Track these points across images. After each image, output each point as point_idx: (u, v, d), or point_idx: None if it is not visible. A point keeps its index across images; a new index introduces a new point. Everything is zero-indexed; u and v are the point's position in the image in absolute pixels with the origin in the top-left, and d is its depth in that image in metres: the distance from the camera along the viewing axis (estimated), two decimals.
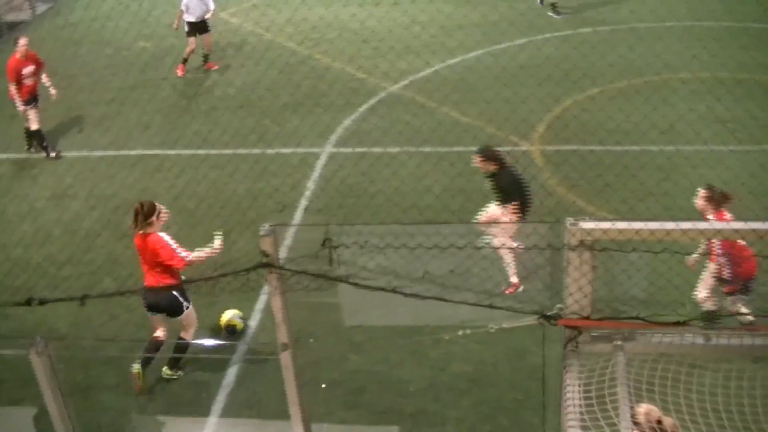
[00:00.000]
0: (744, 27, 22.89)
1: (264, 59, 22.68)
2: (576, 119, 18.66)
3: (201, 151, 18.00)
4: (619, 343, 6.71)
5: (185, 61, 22.47)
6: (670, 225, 6.23)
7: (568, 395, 6.48)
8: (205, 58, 22.82)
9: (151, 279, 11.57)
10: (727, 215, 11.54)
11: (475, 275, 6.73)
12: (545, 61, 21.40)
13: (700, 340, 6.69)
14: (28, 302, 13.85)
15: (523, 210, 13.50)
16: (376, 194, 16.19)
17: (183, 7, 21.99)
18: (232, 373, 12.25)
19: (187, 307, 11.75)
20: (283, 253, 12.13)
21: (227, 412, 11.64)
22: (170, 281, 11.50)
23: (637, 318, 6.56)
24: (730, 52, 20.96)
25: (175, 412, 11.73)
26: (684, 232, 6.22)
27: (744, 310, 11.54)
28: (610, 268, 7.41)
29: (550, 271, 6.84)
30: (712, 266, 11.60)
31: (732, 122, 18.35)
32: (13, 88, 18.30)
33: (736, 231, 6.46)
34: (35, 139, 18.84)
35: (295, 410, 8.13)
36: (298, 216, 15.97)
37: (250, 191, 16.76)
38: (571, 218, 6.26)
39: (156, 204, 11.49)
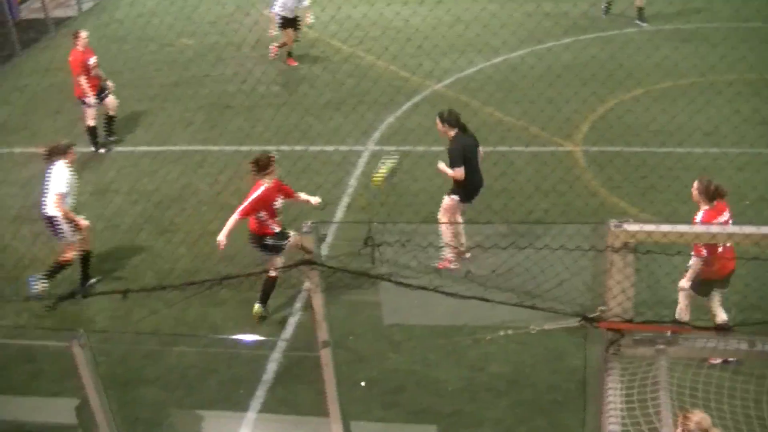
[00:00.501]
0: None
1: (308, 56, 22.74)
2: (620, 120, 18.48)
3: (244, 148, 17.97)
4: (661, 347, 6.63)
5: (290, 54, 22.72)
6: (715, 228, 6.16)
7: (610, 398, 6.43)
8: (289, 53, 22.92)
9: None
10: (725, 211, 11.51)
11: (517, 275, 6.66)
12: (590, 60, 21.22)
13: (744, 346, 6.60)
14: (72, 295, 13.98)
15: (464, 185, 13.82)
16: (419, 193, 16.15)
17: (277, 6, 22.17)
18: (271, 370, 12.26)
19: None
20: (324, 250, 12.15)
21: (265, 408, 11.66)
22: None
23: (680, 322, 6.49)
24: None
25: (214, 406, 11.77)
26: (729, 235, 6.15)
27: (718, 309, 11.35)
28: (653, 271, 7.30)
29: (593, 273, 6.72)
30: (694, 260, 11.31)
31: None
32: (84, 82, 18.32)
33: None
34: (89, 135, 18.88)
35: (333, 408, 8.13)
36: (339, 214, 15.95)
37: (292, 188, 16.74)
38: (614, 220, 6.20)
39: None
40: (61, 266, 14.20)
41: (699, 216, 11.28)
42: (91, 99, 18.44)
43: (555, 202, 15.60)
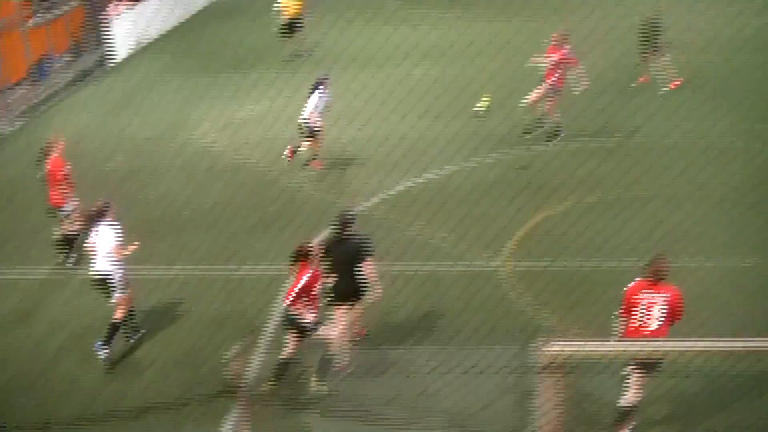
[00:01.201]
0: (708, 143, 23.09)
1: (235, 180, 22.72)
2: (548, 235, 18.74)
3: (170, 272, 17.86)
4: None
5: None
6: (637, 345, 6.20)
7: None
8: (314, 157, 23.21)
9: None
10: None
11: (446, 398, 6.60)
12: (516, 176, 21.55)
13: None
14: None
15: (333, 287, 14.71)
16: None
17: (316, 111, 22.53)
18: None
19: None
20: (252, 375, 12.01)
21: None
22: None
23: None
24: (699, 166, 21.16)
25: None
26: (654, 350, 6.19)
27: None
28: (582, 387, 7.31)
29: (522, 392, 6.70)
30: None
31: (701, 236, 18.40)
32: (65, 189, 18.46)
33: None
34: (65, 243, 18.82)
35: None
36: (267, 339, 15.79)
37: (219, 312, 16.61)
38: (541, 339, 6.21)
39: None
40: (117, 326, 15.38)
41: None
42: (69, 206, 18.46)
43: (483, 320, 15.56)
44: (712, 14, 32.59)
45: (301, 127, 22.58)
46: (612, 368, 6.19)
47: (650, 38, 28.10)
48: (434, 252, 18.34)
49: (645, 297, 12.57)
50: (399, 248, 18.47)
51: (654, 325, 12.47)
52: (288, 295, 13.73)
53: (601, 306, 15.62)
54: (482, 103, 25.43)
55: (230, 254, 18.71)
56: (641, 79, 28.76)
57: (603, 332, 14.31)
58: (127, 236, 17.05)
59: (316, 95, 22.47)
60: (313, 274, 13.80)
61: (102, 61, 34.63)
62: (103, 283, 15.50)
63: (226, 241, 19.35)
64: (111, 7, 36.37)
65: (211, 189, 22.38)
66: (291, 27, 33.37)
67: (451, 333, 15.02)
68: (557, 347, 6.16)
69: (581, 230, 18.45)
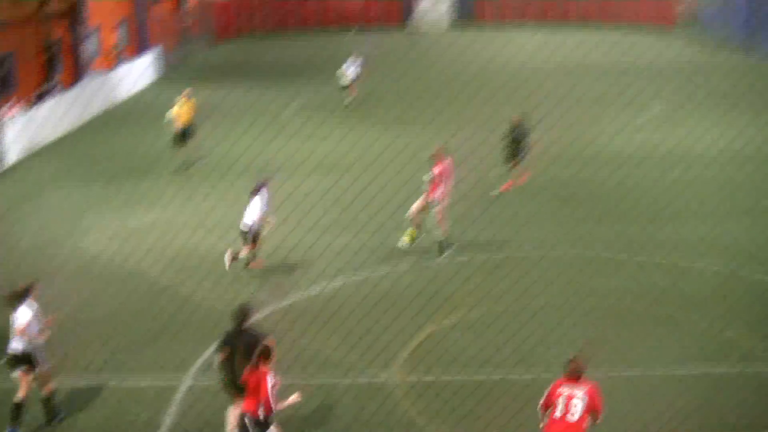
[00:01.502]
0: (593, 255, 23.62)
1: (125, 287, 22.44)
2: (438, 347, 18.86)
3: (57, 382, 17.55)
4: None
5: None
6: None
7: None
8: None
9: None
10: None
11: None
12: (406, 289, 21.71)
13: None
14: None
15: None
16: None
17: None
18: None
19: None
20: None
21: None
22: None
23: None
24: (585, 279, 21.61)
25: None
26: None
27: None
28: None
29: None
30: None
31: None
32: None
33: None
34: None
35: None
36: None
37: (104, 424, 16.30)
38: None
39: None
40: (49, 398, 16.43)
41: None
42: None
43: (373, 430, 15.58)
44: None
45: (244, 232, 22.63)
46: None
47: (517, 143, 29.22)
48: (324, 363, 18.33)
49: (565, 391, 13.77)
50: (289, 360, 18.42)
51: (575, 416, 13.54)
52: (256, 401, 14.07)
53: (488, 419, 15.81)
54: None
55: (119, 363, 18.44)
56: (503, 187, 30.01)
57: None
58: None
59: (257, 199, 22.53)
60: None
61: None
62: (20, 360, 16.07)
63: (111, 353, 19.02)
64: (4, 110, 36.12)
65: (100, 298, 22.03)
66: (184, 135, 33.50)
67: None
68: None
69: (471, 341, 18.70)
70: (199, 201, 28.22)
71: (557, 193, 29.56)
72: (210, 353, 18.87)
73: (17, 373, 16.08)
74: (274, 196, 23.52)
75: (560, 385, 13.90)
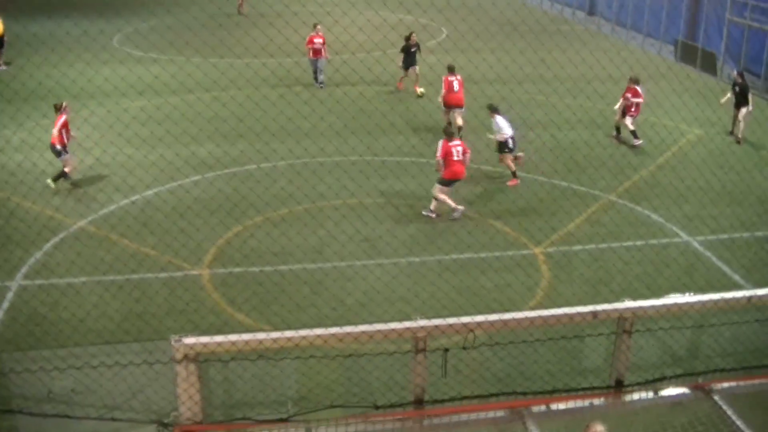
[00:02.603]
0: (382, 161, 23.95)
1: None
2: (244, 244, 18.88)
3: None
4: None
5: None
6: (261, 335, 6.42)
7: None
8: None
9: None
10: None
11: (93, 392, 6.63)
12: (216, 194, 21.63)
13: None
14: None
15: None
16: (58, 322, 15.69)
17: None
18: None
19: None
20: None
21: None
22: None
23: (245, 419, 6.65)
24: (374, 182, 21.88)
25: None
26: (274, 341, 6.43)
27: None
28: (227, 376, 7.49)
29: (170, 382, 6.79)
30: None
31: (375, 240, 19.08)
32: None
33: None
34: None
35: None
36: None
37: None
38: (175, 336, 6.33)
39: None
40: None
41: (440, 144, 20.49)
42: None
43: (185, 321, 15.53)
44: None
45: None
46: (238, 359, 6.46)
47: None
48: (143, 262, 18.16)
49: (455, 144, 20.49)
50: (110, 260, 18.21)
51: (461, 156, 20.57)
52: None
53: (285, 303, 16.07)
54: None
55: None
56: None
57: (282, 326, 14.67)
58: None
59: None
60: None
61: None
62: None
63: None
64: None
65: None
66: None
67: (150, 334, 14.89)
68: (188, 341, 6.29)
69: (275, 239, 18.82)
70: (25, 123, 27.38)
71: (354, 110, 29.67)
72: (39, 256, 18.56)
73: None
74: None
75: (447, 142, 20.27)
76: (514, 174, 23.07)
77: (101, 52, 37.01)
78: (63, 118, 22.01)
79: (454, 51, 32.83)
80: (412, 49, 32.16)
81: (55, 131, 21.96)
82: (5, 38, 36.96)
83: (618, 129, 27.09)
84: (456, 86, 27.26)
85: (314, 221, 19.82)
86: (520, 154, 23.35)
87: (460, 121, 26.99)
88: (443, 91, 27.28)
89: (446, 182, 20.41)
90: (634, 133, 26.28)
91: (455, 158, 20.21)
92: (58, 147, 21.82)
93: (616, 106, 26.98)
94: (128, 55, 38.80)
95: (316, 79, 33.44)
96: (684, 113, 25.24)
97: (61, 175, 21.91)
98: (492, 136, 23.32)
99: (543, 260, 18.36)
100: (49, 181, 21.56)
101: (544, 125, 27.08)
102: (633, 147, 26.05)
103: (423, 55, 32.42)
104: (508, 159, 23.10)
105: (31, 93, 28.86)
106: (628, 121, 26.31)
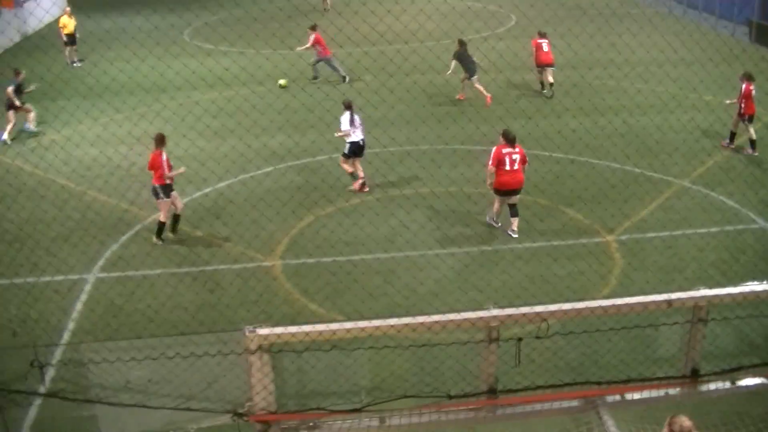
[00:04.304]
0: (452, 149, 23.87)
1: (38, 196, 22.06)
2: (317, 234, 18.97)
3: None
4: None
5: None
6: (334, 326, 6.45)
7: None
8: None
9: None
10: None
11: (169, 382, 6.73)
12: (288, 185, 21.78)
13: (375, 423, 6.89)
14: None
15: None
16: (134, 313, 15.96)
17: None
18: None
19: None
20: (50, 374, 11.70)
21: None
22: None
23: (318, 408, 6.70)
24: (444, 170, 21.83)
25: None
26: (347, 330, 6.46)
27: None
28: (301, 366, 7.54)
29: (244, 372, 6.87)
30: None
31: (447, 228, 19.06)
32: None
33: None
34: None
35: None
36: (66, 337, 15.47)
37: (26, 315, 16.12)
38: (249, 326, 6.39)
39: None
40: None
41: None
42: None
43: (258, 312, 15.67)
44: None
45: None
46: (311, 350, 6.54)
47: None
48: (216, 252, 18.40)
49: (508, 151, 18.46)
50: (184, 251, 18.46)
51: (516, 167, 18.51)
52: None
53: (357, 293, 16.13)
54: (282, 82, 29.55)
55: (34, 263, 18.22)
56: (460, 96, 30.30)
57: (355, 316, 14.70)
58: None
59: None
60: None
61: None
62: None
63: (30, 252, 18.79)
64: None
65: (15, 205, 21.63)
66: (71, 40, 38.29)
67: (224, 323, 15.06)
68: (262, 332, 6.35)
69: (347, 228, 18.91)
70: (100, 118, 27.86)
71: (423, 99, 29.65)
72: (115, 248, 18.88)
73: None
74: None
75: (501, 148, 18.32)
76: (352, 175, 21.93)
77: (172, 46, 37.41)
78: (164, 155, 18.82)
79: (523, 37, 32.71)
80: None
81: (157, 169, 18.83)
82: (77, 35, 38.15)
83: (732, 136, 24.58)
84: (545, 47, 29.50)
85: (386, 210, 19.78)
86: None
87: (551, 78, 29.63)
88: (533, 52, 29.73)
89: (498, 192, 18.82)
90: (753, 143, 24.07)
91: (506, 168, 18.32)
92: (158, 186, 18.82)
93: (732, 106, 24.66)
94: (198, 49, 39.25)
95: (343, 77, 32.71)
96: (760, 96, 24.65)
97: (161, 227, 19.14)
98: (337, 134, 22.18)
99: (616, 247, 18.16)
100: (154, 239, 19.14)
101: (615, 111, 26.75)
102: (739, 152, 24.30)
103: (492, 42, 32.28)
104: (344, 163, 21.90)
105: (105, 89, 29.39)
106: (751, 129, 23.92)
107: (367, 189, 21.67)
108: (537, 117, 25.89)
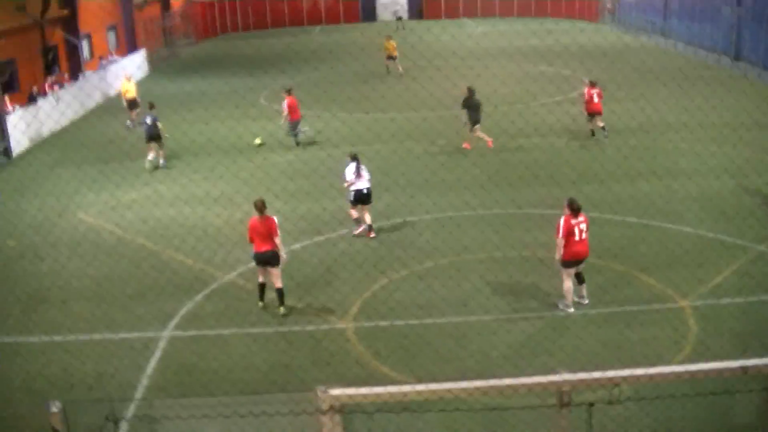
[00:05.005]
0: (525, 213, 23.87)
1: (117, 253, 22.52)
2: (390, 297, 18.99)
3: (57, 337, 17.64)
4: None
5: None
6: (406, 387, 6.47)
7: None
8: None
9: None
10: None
11: None
12: (363, 247, 21.91)
13: None
14: None
15: None
16: (207, 371, 16.12)
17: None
18: None
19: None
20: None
21: None
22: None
23: None
24: (518, 234, 21.80)
25: None
26: (419, 393, 6.47)
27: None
28: (372, 428, 7.57)
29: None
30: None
31: (520, 292, 18.96)
32: None
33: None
34: None
35: None
36: (140, 393, 15.66)
37: (99, 371, 16.36)
38: (321, 386, 6.44)
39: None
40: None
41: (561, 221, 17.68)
42: None
43: (330, 373, 15.70)
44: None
45: None
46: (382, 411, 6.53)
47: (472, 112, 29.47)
48: (290, 312, 18.50)
49: (576, 221, 17.60)
50: (256, 312, 18.62)
51: (584, 236, 17.77)
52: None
53: (431, 357, 16.09)
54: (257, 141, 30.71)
55: (110, 319, 18.55)
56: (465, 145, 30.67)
57: (426, 378, 14.66)
58: (18, 306, 16.90)
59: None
60: None
61: (6, 152, 34.21)
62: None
63: (107, 308, 19.15)
64: (8, 108, 35.98)
65: (95, 262, 22.08)
66: (132, 105, 39.06)
67: (297, 385, 15.11)
68: (333, 393, 6.39)
69: (420, 291, 18.93)
70: (179, 178, 28.38)
71: (496, 162, 29.73)
72: (190, 307, 19.12)
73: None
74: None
75: (569, 219, 17.58)
76: (356, 221, 23.17)
77: (250, 109, 38.17)
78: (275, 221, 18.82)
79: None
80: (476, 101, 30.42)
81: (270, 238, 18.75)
82: (138, 99, 39.21)
83: None
84: (596, 98, 30.80)
85: (459, 274, 19.76)
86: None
87: (600, 123, 30.99)
88: (585, 101, 31.35)
89: (568, 264, 18.03)
90: None
91: (577, 238, 17.71)
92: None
93: None
94: (275, 112, 39.88)
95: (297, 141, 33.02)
96: None
97: (282, 295, 18.70)
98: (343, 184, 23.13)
99: (690, 313, 17.88)
100: (282, 309, 18.64)
101: (688, 174, 26.53)
102: None
103: (567, 106, 32.32)
104: (351, 209, 23.07)
105: (185, 150, 30.00)
106: None
107: (372, 235, 22.59)
108: (610, 181, 25.79)
